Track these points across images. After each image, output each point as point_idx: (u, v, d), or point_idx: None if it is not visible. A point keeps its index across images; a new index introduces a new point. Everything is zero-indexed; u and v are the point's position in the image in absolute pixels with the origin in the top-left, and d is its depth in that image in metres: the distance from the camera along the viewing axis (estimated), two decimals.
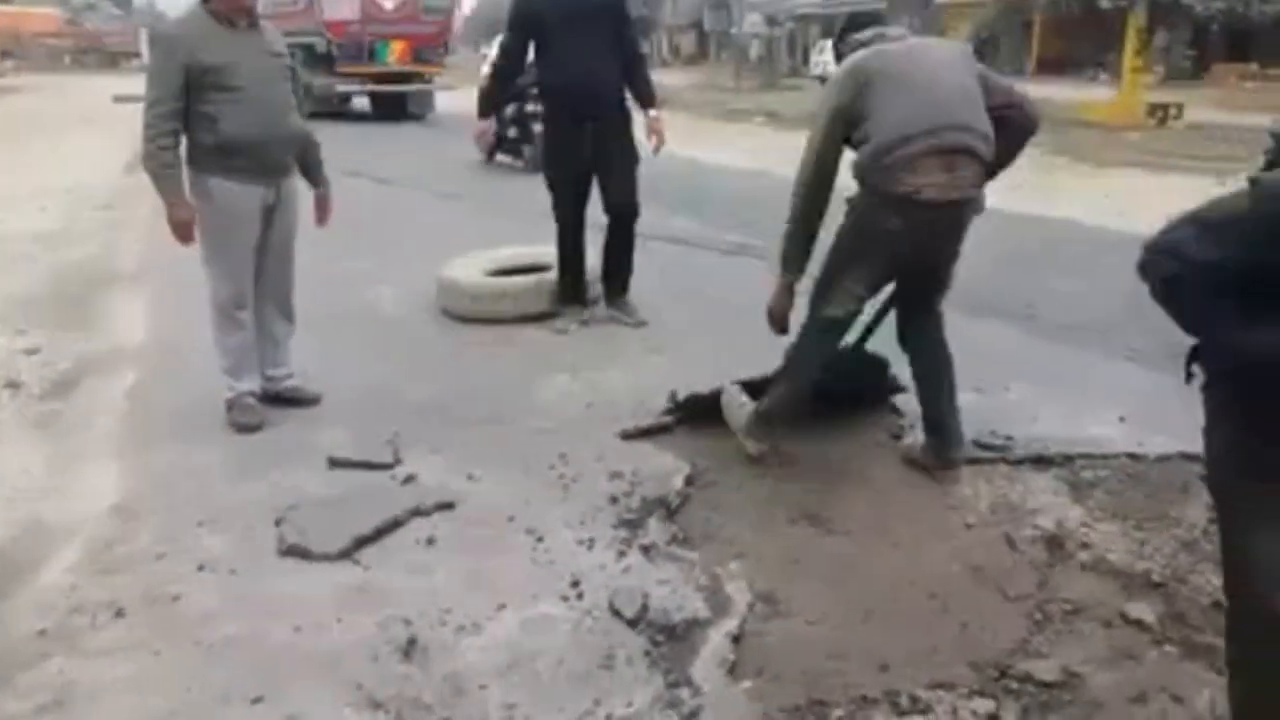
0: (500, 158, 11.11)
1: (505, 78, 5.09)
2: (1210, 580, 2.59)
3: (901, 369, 3.61)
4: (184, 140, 3.51)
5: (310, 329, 4.15)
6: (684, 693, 2.25)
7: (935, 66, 3.05)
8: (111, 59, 41.94)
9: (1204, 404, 1.79)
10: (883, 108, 2.98)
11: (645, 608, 2.55)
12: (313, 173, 3.89)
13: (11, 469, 3.44)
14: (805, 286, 3.35)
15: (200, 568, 2.76)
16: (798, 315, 3.37)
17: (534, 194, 5.73)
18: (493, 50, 11.53)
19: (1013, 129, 3.11)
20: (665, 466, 3.39)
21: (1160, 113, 15.44)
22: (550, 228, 5.10)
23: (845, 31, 3.34)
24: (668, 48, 53.88)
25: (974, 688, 2.25)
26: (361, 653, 2.38)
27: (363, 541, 2.87)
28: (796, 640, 2.47)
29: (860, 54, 3.12)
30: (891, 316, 3.47)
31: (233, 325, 3.71)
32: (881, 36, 3.19)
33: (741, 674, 2.32)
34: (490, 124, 5.15)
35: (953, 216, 3.07)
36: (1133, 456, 3.41)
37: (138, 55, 38.41)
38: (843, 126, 3.09)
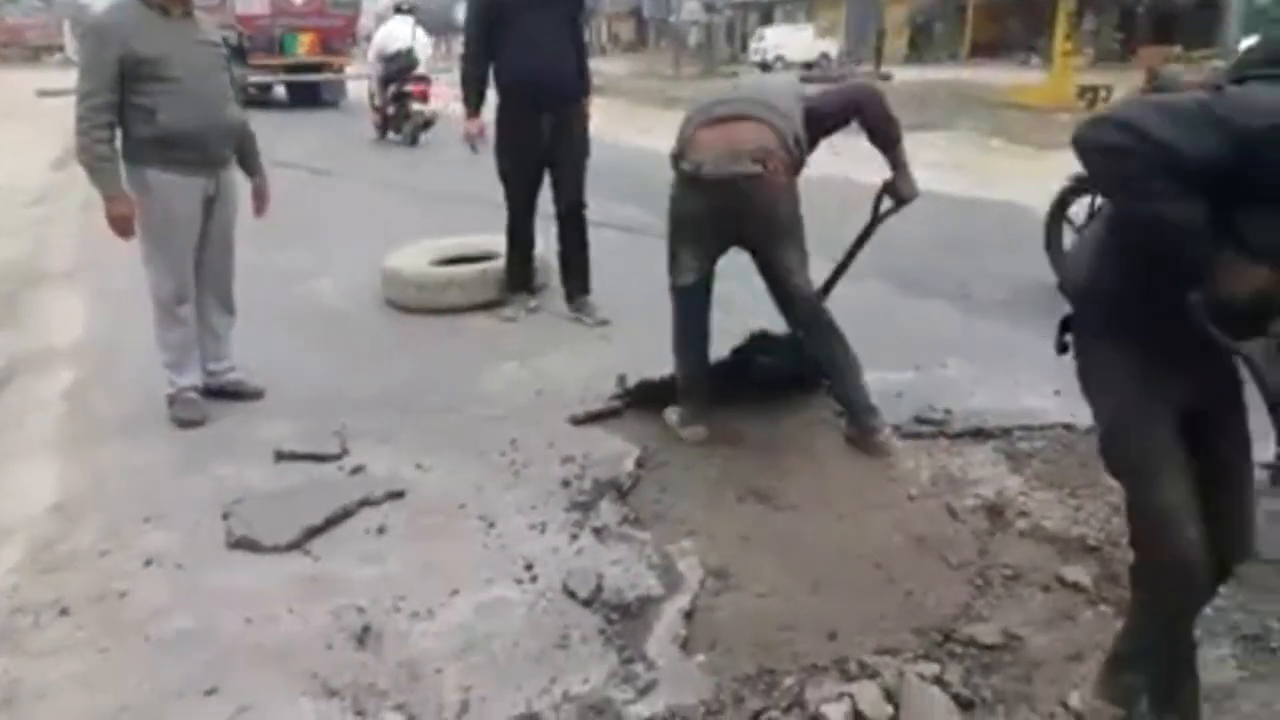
0: (391, 136, 12.05)
1: (477, 68, 4.81)
2: None
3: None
4: (118, 133, 3.44)
5: (252, 322, 4.11)
6: (639, 668, 2.29)
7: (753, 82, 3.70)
8: (34, 53, 40.60)
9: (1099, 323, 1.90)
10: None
11: (599, 588, 2.58)
12: (249, 162, 3.84)
13: None
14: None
15: (147, 563, 2.72)
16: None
17: (475, 181, 5.72)
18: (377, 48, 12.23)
19: (871, 121, 3.34)
20: (616, 449, 3.42)
21: (1090, 95, 15.75)
22: (490, 216, 5.06)
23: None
24: (607, 35, 53.74)
25: (919, 652, 2.32)
26: (315, 642, 2.38)
27: (313, 532, 2.86)
28: (747, 613, 2.52)
29: None
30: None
31: (174, 320, 3.65)
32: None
33: (694, 648, 2.37)
34: (479, 121, 4.92)
35: (739, 192, 3.18)
36: (1067, 427, 3.52)
37: (61, 48, 37.30)
38: None
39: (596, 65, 5.72)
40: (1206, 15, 25.42)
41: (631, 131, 12.45)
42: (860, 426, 3.40)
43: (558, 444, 3.46)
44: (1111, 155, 1.65)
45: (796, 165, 3.29)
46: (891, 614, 2.49)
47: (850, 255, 3.61)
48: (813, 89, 3.47)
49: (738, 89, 3.70)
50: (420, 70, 11.76)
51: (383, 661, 2.32)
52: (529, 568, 2.70)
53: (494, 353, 4.48)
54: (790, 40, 31.49)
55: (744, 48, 35.54)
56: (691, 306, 3.47)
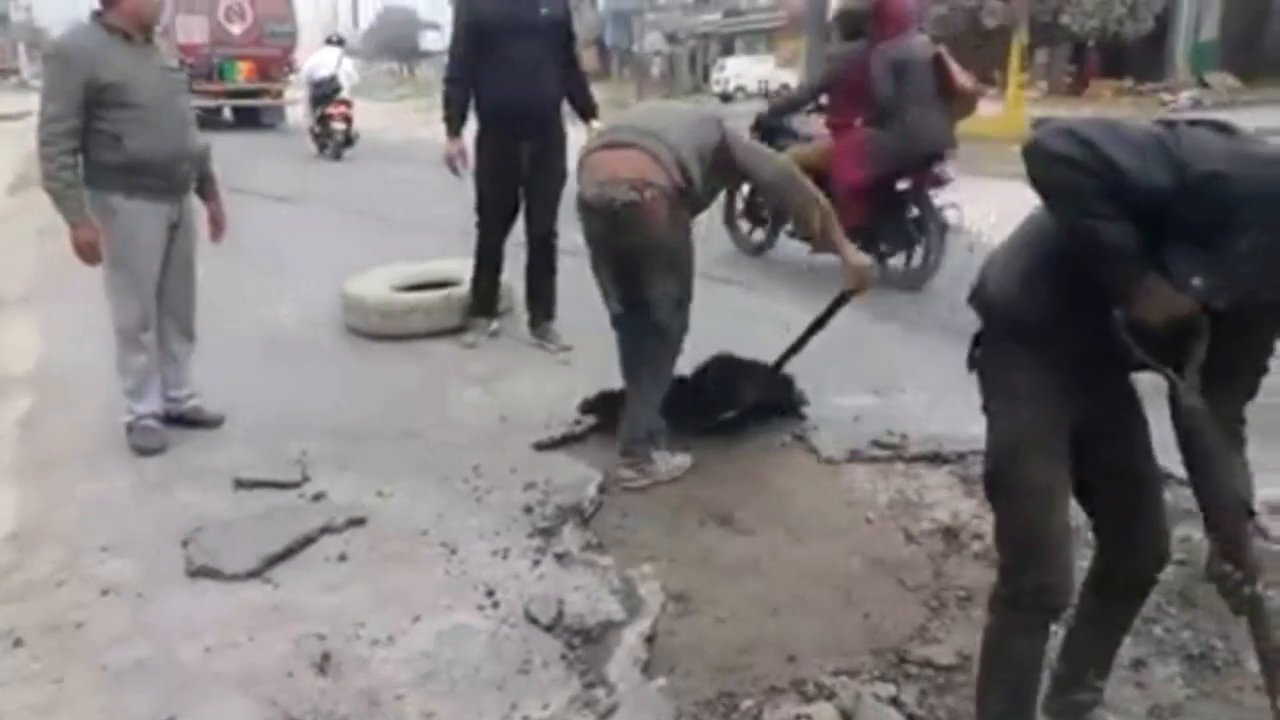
0: (317, 150, 13.66)
1: (459, 92, 4.77)
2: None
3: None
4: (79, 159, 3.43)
5: (212, 349, 4.08)
6: (600, 692, 2.30)
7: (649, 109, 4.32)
8: None
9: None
10: None
11: (561, 613, 2.60)
12: (206, 188, 3.82)
13: None
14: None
15: (105, 593, 2.70)
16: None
17: (429, 207, 5.73)
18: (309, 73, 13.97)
19: (782, 206, 3.70)
20: (579, 475, 3.44)
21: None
22: (450, 242, 5.05)
23: None
24: None
25: (876, 673, 2.37)
26: (275, 670, 2.37)
27: (273, 560, 2.85)
28: (708, 637, 2.55)
29: None
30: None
31: (137, 347, 3.62)
32: None
33: (655, 671, 2.39)
34: (459, 143, 4.84)
35: (616, 218, 3.26)
36: None
37: (16, 72, 36.83)
38: None
39: None
40: (1155, 50, 26.19)
41: None
42: (622, 450, 3.45)
43: (520, 470, 3.48)
44: (1063, 164, 1.68)
45: (686, 194, 3.31)
46: (849, 636, 2.54)
47: (802, 340, 3.63)
48: (733, 127, 3.50)
49: (629, 117, 3.81)
50: (344, 94, 13.50)
51: (343, 689, 2.31)
52: (490, 594, 2.71)
53: (457, 379, 4.49)
54: (751, 71, 31.88)
55: (706, 78, 35.91)
56: (624, 333, 3.57)
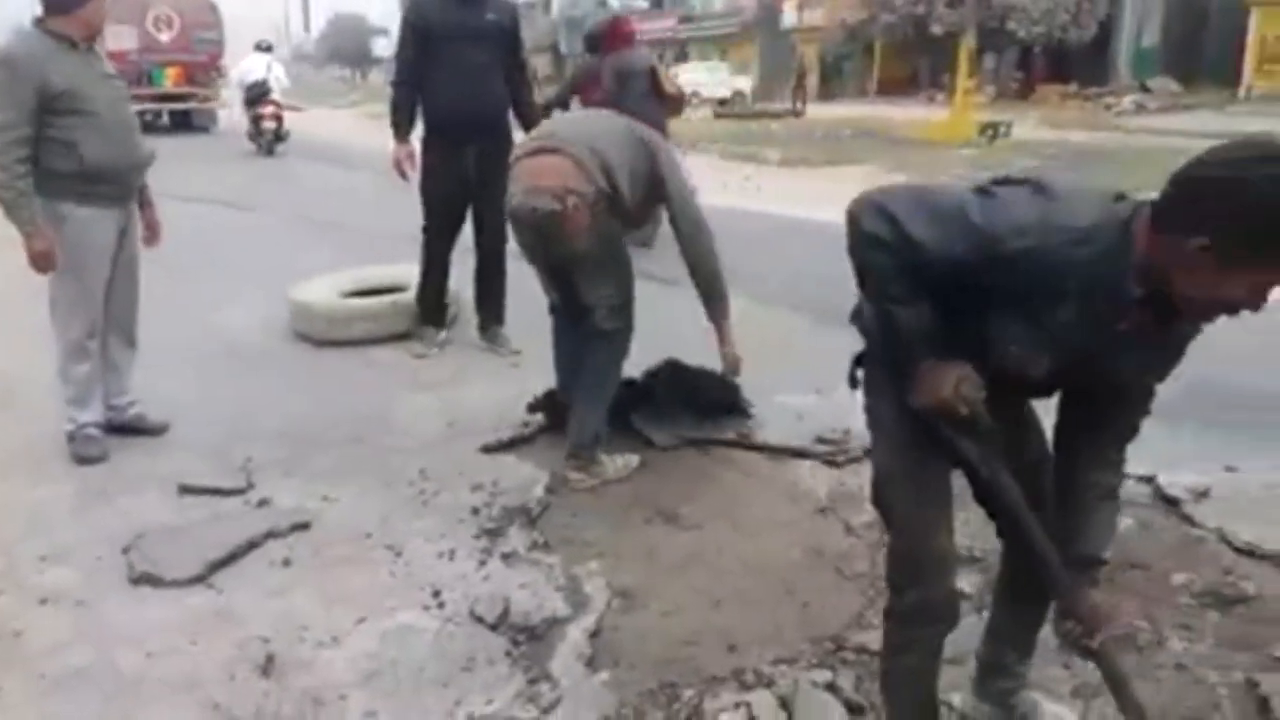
0: (250, 146, 14.74)
1: (405, 96, 4.78)
2: None
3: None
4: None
5: (156, 356, 4.05)
6: (543, 687, 2.33)
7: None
8: None
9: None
10: None
11: (506, 611, 2.62)
12: (142, 193, 3.77)
13: None
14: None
15: (43, 602, 2.67)
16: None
17: (376, 212, 5.71)
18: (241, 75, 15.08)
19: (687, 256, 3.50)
20: (526, 476, 3.47)
21: (991, 131, 16.44)
22: (399, 247, 5.04)
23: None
24: None
25: (814, 660, 2.42)
26: (218, 674, 2.37)
27: (216, 565, 2.84)
28: (651, 630, 2.59)
29: None
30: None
31: (82, 355, 3.57)
32: None
33: (599, 665, 2.43)
34: (408, 147, 4.82)
35: (539, 227, 3.32)
36: None
37: None
38: None
39: None
40: (1099, 55, 26.80)
41: None
42: (569, 452, 3.48)
43: (467, 472, 3.49)
44: (869, 244, 1.68)
45: (613, 200, 3.31)
46: (789, 625, 2.59)
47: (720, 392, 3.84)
48: (661, 143, 3.52)
49: (557, 122, 3.88)
50: (274, 96, 14.61)
51: (286, 690, 2.32)
52: (436, 594, 2.72)
53: (405, 384, 4.49)
54: (705, 79, 32.07)
55: None
56: (559, 328, 3.78)
